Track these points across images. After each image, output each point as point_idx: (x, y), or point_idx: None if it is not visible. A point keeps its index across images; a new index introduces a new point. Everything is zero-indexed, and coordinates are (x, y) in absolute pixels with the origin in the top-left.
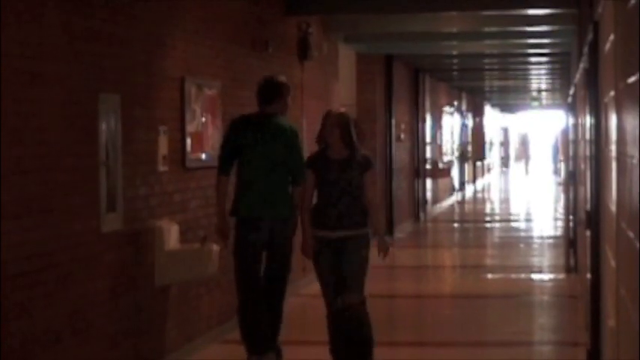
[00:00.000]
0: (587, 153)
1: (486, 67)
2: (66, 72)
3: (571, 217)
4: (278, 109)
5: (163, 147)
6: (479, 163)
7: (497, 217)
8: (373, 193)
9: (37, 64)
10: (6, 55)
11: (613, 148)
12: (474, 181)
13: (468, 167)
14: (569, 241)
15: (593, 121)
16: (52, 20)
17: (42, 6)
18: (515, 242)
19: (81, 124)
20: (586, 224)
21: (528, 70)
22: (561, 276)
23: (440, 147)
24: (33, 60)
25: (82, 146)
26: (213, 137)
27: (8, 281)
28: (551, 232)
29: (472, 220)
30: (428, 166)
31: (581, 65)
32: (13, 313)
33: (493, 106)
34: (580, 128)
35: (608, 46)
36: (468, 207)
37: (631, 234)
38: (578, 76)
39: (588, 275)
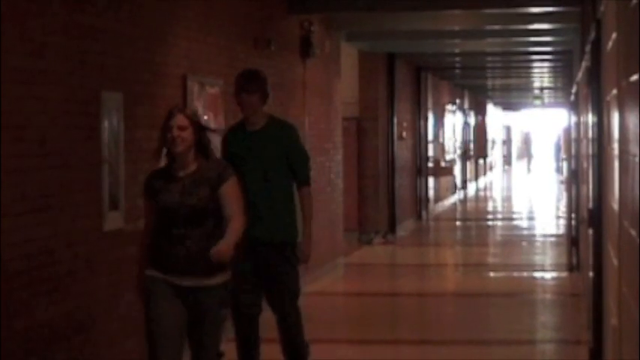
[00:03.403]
0: (590, 151)
1: (489, 65)
2: (69, 70)
3: (573, 215)
4: (259, 99)
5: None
6: (481, 162)
7: (499, 216)
8: (232, 206)
9: (40, 62)
10: (9, 52)
11: (615, 146)
12: (476, 179)
13: (470, 165)
14: (571, 240)
15: (595, 119)
16: (55, 17)
17: (45, 3)
18: (517, 240)
19: (83, 122)
20: (588, 222)
21: (531, 68)
22: (563, 274)
23: (442, 145)
24: (36, 57)
25: (85, 144)
26: (215, 135)
27: (10, 279)
28: (554, 231)
29: (474, 218)
30: (430, 165)
31: (584, 63)
32: (16, 311)
33: (495, 104)
34: (582, 126)
35: (610, 44)
36: (470, 205)
37: (633, 232)
38: (580, 75)
39: (590, 273)
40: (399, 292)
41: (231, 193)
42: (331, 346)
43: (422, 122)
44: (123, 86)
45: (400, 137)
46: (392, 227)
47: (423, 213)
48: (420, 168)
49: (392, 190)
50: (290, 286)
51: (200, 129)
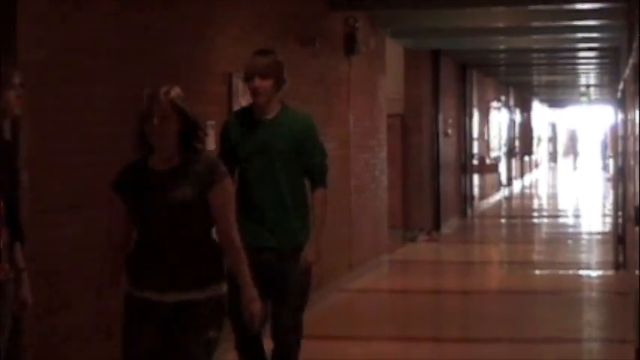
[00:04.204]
0: (637, 149)
1: (534, 62)
2: (114, 67)
3: (620, 213)
4: (273, 85)
5: (211, 142)
6: (526, 159)
7: (544, 213)
8: (225, 214)
9: (86, 59)
10: (56, 49)
11: None
12: (521, 176)
13: (515, 163)
14: (617, 238)
15: None
16: (103, 15)
17: (93, 1)
18: (563, 238)
19: (128, 120)
20: (635, 220)
21: (577, 65)
22: (610, 272)
23: (487, 142)
24: (84, 55)
25: (129, 141)
26: None
27: (55, 275)
28: (600, 229)
29: (519, 215)
30: (475, 162)
31: (631, 60)
32: (57, 307)
33: (541, 101)
34: (629, 124)
35: None
36: (515, 203)
37: None
38: (627, 72)
39: (637, 272)
40: (443, 289)
41: (224, 196)
42: (374, 344)
43: (467, 119)
44: (167, 82)
45: (445, 134)
46: (436, 224)
47: (468, 210)
48: (464, 165)
49: (436, 187)
50: (294, 295)
51: (185, 117)
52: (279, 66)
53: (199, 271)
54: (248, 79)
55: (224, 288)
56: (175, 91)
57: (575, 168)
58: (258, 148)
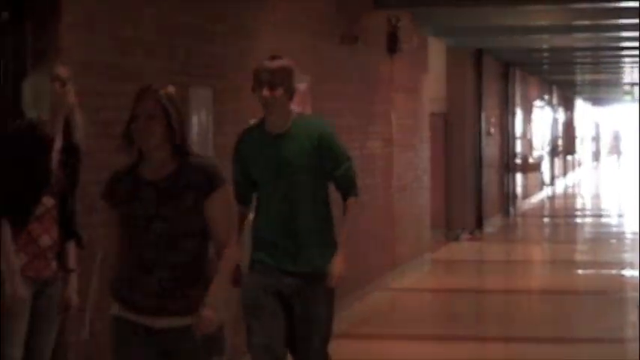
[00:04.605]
0: None
1: (577, 60)
2: (158, 66)
3: None
4: (283, 94)
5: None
6: (569, 158)
7: (588, 213)
8: (224, 224)
9: (129, 59)
10: (100, 49)
11: None
12: (564, 175)
13: (558, 162)
14: None
15: None
16: (146, 15)
17: (136, 0)
18: (606, 238)
19: None
20: None
21: (620, 63)
22: None
23: (530, 141)
24: (126, 54)
25: None
26: None
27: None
28: None
29: (562, 215)
30: (518, 161)
31: None
32: (102, 307)
33: (584, 99)
34: None
35: None
36: (558, 202)
37: None
38: None
39: None
40: (485, 288)
41: (223, 206)
42: (417, 343)
43: (510, 118)
44: (211, 82)
45: (488, 133)
46: (479, 223)
47: (511, 209)
48: (507, 164)
49: (479, 186)
50: (320, 327)
51: (175, 117)
52: (288, 73)
53: (194, 293)
54: (256, 88)
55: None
56: (167, 90)
57: (618, 167)
58: (274, 167)
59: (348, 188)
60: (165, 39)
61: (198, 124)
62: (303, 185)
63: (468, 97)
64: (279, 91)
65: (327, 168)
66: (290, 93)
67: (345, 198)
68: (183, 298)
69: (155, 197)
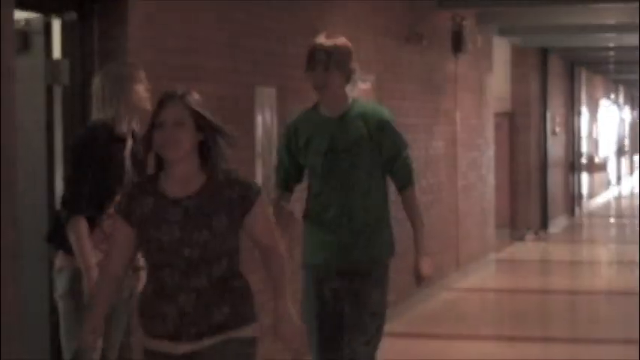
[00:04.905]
0: None
1: None
2: (223, 66)
3: None
4: (340, 76)
5: None
6: (636, 158)
7: None
8: (270, 233)
9: (195, 58)
10: (166, 49)
11: None
12: (630, 175)
13: (624, 161)
14: None
15: None
16: (210, 15)
17: (202, 1)
18: None
19: (237, 118)
20: None
21: None
22: None
23: (596, 141)
24: (191, 54)
25: (239, 139)
26: None
27: None
28: None
29: (629, 215)
30: (583, 161)
31: None
32: None
33: None
34: None
35: None
36: (624, 202)
37: None
38: None
39: None
40: (550, 289)
41: (265, 216)
42: (481, 343)
43: (575, 117)
44: (276, 81)
45: (553, 132)
46: (544, 223)
47: (576, 209)
48: (573, 164)
49: (544, 186)
50: (371, 323)
51: (205, 125)
52: (345, 53)
53: (217, 315)
54: (309, 69)
55: (254, 329)
56: (193, 95)
57: None
58: (327, 152)
59: (406, 179)
60: (230, 39)
61: (263, 123)
62: (360, 170)
63: (532, 96)
64: (335, 72)
65: (385, 156)
66: (347, 75)
67: (401, 189)
68: (206, 322)
69: (183, 219)
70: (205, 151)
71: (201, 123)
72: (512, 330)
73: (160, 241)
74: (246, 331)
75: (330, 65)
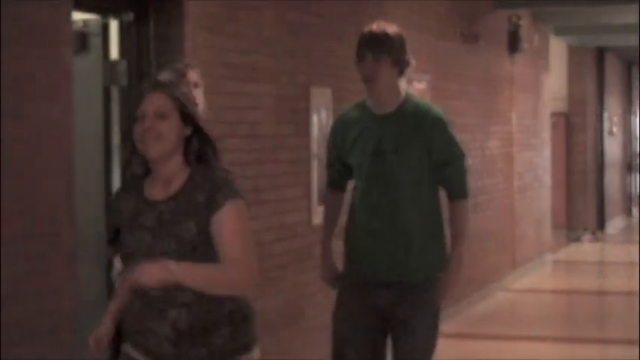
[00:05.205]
0: None
1: None
2: (279, 66)
3: None
4: (391, 66)
5: None
6: None
7: None
8: (237, 248)
9: (252, 59)
10: (222, 49)
11: None
12: None
13: None
14: None
15: None
16: (267, 15)
17: (258, 1)
18: None
19: (293, 118)
20: None
21: None
22: None
23: None
24: (248, 55)
25: (295, 139)
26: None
27: None
28: None
29: None
30: None
31: None
32: None
33: None
34: None
35: None
36: None
37: None
38: None
39: None
40: (607, 290)
41: (234, 228)
42: (536, 344)
43: (632, 117)
44: (331, 82)
45: (610, 132)
46: (601, 224)
47: (634, 210)
48: (630, 164)
49: (601, 186)
50: (421, 347)
51: (190, 118)
52: (398, 42)
53: (216, 338)
54: (359, 59)
55: (257, 354)
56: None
57: None
58: (375, 152)
59: (458, 189)
60: (286, 39)
61: (318, 123)
62: (409, 175)
63: (589, 96)
64: (386, 63)
65: (436, 160)
66: (400, 67)
67: (452, 198)
68: (205, 345)
69: (156, 225)
70: (191, 149)
71: (188, 116)
72: (568, 331)
73: (130, 249)
74: (255, 355)
75: (381, 55)
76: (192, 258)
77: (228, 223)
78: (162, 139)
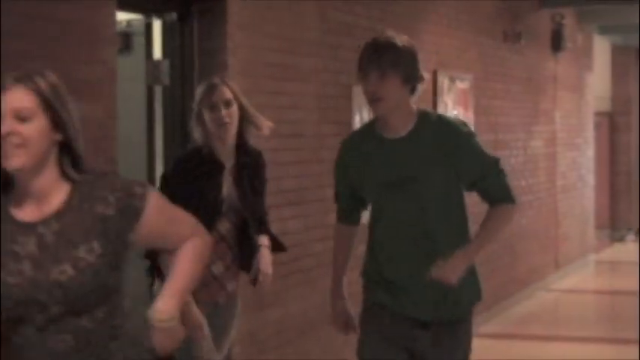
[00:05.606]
0: None
1: None
2: (320, 65)
3: None
4: (401, 84)
5: None
6: None
7: None
8: (179, 231)
9: (293, 58)
10: (264, 48)
11: None
12: None
13: None
14: None
15: None
16: (308, 14)
17: (300, 1)
18: None
19: (335, 117)
20: None
21: None
22: None
23: None
24: (290, 54)
25: (337, 139)
26: None
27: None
28: None
29: None
30: None
31: None
32: (270, 302)
33: None
34: None
35: None
36: None
37: None
38: None
39: None
40: None
41: (165, 216)
42: (579, 345)
43: None
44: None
45: None
46: None
47: None
48: None
49: None
50: None
51: (65, 119)
52: (409, 56)
53: None
54: (361, 76)
55: None
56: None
57: None
58: (392, 182)
59: (503, 195)
60: (329, 38)
61: (361, 122)
62: (434, 204)
63: (633, 96)
64: (395, 80)
65: (473, 179)
66: (411, 83)
67: (495, 203)
68: None
69: (38, 251)
70: (67, 155)
71: (58, 116)
72: (610, 332)
73: (5, 285)
74: None
75: (389, 71)
76: (92, 285)
77: (161, 214)
78: (25, 146)
